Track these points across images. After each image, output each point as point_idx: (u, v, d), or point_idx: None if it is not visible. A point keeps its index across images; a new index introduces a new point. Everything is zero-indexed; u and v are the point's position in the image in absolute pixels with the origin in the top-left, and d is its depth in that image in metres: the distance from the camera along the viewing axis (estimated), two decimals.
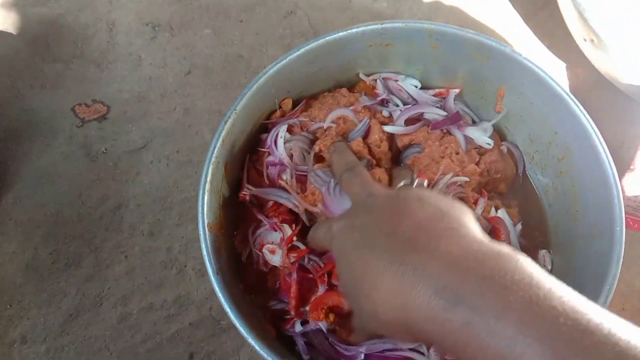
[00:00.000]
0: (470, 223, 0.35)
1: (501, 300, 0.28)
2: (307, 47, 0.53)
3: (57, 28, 0.80)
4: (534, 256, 0.56)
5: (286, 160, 0.53)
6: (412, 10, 0.84)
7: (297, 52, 0.53)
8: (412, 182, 0.52)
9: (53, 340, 0.62)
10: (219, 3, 0.82)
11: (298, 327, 0.50)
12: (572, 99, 0.51)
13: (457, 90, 0.60)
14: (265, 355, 0.41)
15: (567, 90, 0.52)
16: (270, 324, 0.51)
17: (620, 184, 0.63)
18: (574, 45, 0.74)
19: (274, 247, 0.51)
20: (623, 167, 0.64)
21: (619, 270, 0.46)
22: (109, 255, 0.66)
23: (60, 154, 0.71)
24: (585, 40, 0.70)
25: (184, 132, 0.72)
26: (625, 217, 0.58)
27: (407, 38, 0.56)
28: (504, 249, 0.31)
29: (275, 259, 0.50)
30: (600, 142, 0.50)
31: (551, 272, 0.55)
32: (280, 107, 0.58)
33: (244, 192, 0.54)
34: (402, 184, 0.51)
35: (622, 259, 0.46)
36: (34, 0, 0.82)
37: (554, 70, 0.79)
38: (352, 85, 0.62)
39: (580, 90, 0.76)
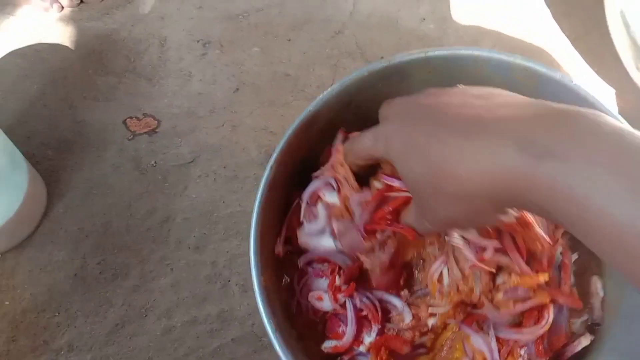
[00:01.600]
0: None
1: (588, 148, 0.28)
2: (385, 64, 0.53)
3: (110, 42, 0.82)
4: (586, 281, 0.55)
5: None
6: (458, 33, 0.84)
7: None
8: None
9: (98, 349, 0.63)
10: (268, 22, 0.83)
11: None
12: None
13: None
14: None
15: (621, 118, 0.50)
16: None
17: None
18: (624, 71, 0.74)
19: (320, 293, 0.50)
20: None
21: None
22: (155, 268, 0.67)
23: (111, 166, 0.73)
24: (637, 68, 0.70)
25: (231, 148, 0.73)
26: None
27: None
28: (578, 108, 0.32)
29: (326, 305, 0.49)
30: None
31: (603, 298, 0.53)
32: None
33: (278, 249, 0.52)
34: None
35: None
36: (89, 14, 0.85)
37: (603, 96, 0.78)
38: None
39: (629, 117, 0.75)
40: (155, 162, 0.73)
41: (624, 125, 0.30)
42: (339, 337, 0.49)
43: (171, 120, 0.75)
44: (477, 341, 0.47)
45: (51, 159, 0.73)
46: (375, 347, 0.48)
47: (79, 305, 0.65)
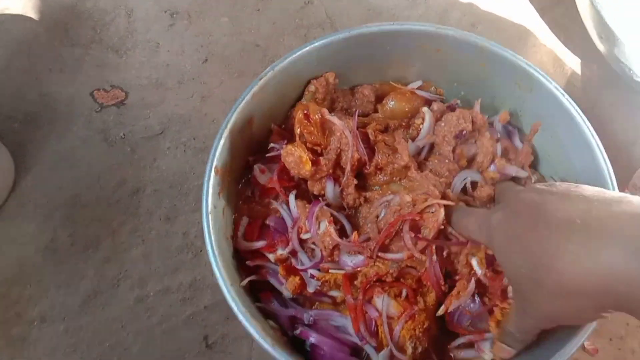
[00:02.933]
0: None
1: None
2: (361, 31, 0.54)
3: (76, 13, 0.81)
4: None
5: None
6: (427, 3, 0.84)
7: (351, 34, 0.54)
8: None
9: (71, 320, 0.63)
10: None
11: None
12: (602, 155, 0.49)
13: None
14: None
15: (599, 143, 0.50)
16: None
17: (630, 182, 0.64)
18: (589, 41, 0.75)
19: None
20: (635, 165, 0.65)
21: None
22: (126, 239, 0.67)
23: (79, 139, 0.72)
24: (601, 37, 0.71)
25: (200, 119, 0.73)
26: None
27: (458, 48, 0.55)
28: None
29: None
30: None
31: None
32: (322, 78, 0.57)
33: None
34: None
35: None
36: None
37: (569, 64, 0.79)
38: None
39: (594, 86, 0.77)
40: (123, 134, 0.72)
41: None
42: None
43: (139, 92, 0.75)
44: None
45: (17, 132, 0.72)
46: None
47: (50, 277, 0.65)
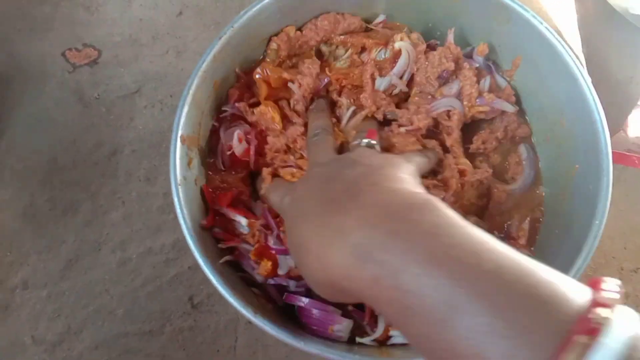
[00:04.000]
0: (405, 176, 0.35)
1: (405, 254, 0.28)
2: None
3: None
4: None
5: None
6: None
7: None
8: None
9: (54, 285, 0.62)
10: None
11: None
12: (587, 84, 0.46)
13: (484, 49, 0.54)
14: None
15: (584, 73, 0.47)
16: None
17: (627, 122, 0.61)
18: None
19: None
20: (631, 103, 0.62)
21: (607, 209, 0.44)
22: (106, 202, 0.65)
23: (53, 100, 0.69)
24: None
25: (176, 75, 0.70)
26: (631, 155, 0.56)
27: None
28: (427, 197, 0.31)
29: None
30: (606, 141, 0.45)
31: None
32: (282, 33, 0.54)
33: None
34: (355, 143, 0.47)
35: (610, 196, 0.44)
36: None
37: (563, 3, 0.75)
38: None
39: (589, 23, 0.73)
40: (98, 94, 0.70)
41: (454, 222, 0.29)
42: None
43: (112, 50, 0.72)
44: None
45: None
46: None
47: (30, 243, 0.64)
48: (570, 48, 0.47)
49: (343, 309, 0.47)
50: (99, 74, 0.71)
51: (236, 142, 0.50)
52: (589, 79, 0.46)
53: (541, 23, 0.47)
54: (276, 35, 0.54)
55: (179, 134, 0.46)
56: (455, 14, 0.53)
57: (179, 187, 0.45)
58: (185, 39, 0.72)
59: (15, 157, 0.67)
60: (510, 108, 0.52)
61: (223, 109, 0.53)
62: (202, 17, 0.73)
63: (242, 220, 0.48)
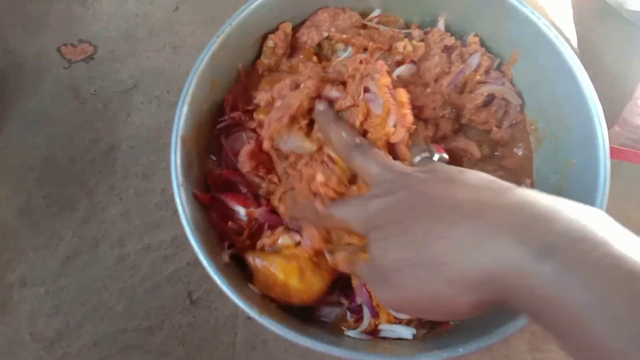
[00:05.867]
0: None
1: (591, 255, 0.26)
2: None
3: None
4: None
5: None
6: None
7: None
8: (431, 156, 0.46)
9: (52, 282, 0.62)
10: None
11: None
12: (585, 81, 0.46)
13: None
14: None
15: (582, 69, 0.47)
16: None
17: (621, 116, 0.62)
18: None
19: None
20: (626, 99, 0.63)
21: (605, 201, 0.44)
22: (104, 198, 0.65)
23: (49, 96, 0.69)
24: None
25: (173, 71, 0.70)
26: (627, 150, 0.57)
27: None
28: (584, 206, 0.30)
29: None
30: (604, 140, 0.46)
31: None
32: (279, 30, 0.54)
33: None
34: (418, 158, 0.45)
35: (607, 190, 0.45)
36: None
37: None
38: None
39: (585, 18, 0.73)
40: (94, 90, 0.69)
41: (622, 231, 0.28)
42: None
43: (108, 45, 0.71)
44: None
45: None
46: None
47: (27, 240, 0.64)
48: (569, 44, 0.47)
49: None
50: (95, 70, 0.70)
51: (245, 158, 0.50)
52: (587, 75, 0.46)
53: (539, 19, 0.47)
54: (273, 32, 0.53)
55: (180, 135, 0.46)
56: (451, 7, 0.53)
57: (180, 187, 0.45)
58: (182, 35, 0.72)
59: (12, 154, 0.67)
60: (515, 99, 0.52)
61: (220, 119, 0.53)
62: (198, 13, 0.73)
63: (241, 210, 0.48)
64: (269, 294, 0.46)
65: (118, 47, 0.71)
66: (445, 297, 0.32)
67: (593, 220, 0.28)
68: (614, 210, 0.65)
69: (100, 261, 0.63)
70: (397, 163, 0.41)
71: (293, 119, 0.44)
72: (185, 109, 0.47)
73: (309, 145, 0.44)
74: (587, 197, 0.45)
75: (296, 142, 0.45)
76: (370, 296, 0.46)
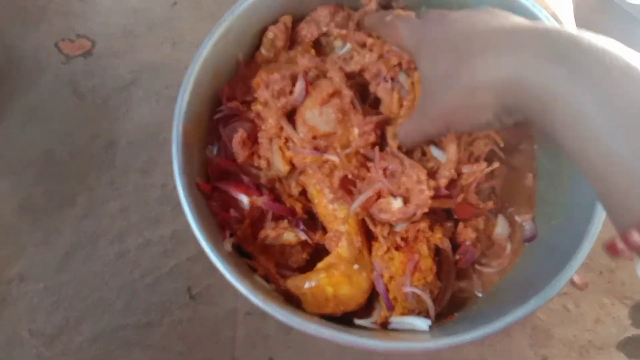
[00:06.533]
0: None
1: (602, 60, 0.31)
2: None
3: None
4: None
5: None
6: None
7: None
8: None
9: (51, 277, 0.62)
10: None
11: None
12: None
13: None
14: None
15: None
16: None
17: None
18: None
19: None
20: None
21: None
22: (103, 194, 0.65)
23: (47, 92, 0.69)
24: None
25: (172, 66, 0.70)
26: None
27: None
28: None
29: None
30: None
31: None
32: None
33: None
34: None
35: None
36: None
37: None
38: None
39: (584, 11, 0.73)
40: (93, 86, 0.69)
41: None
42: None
43: (107, 41, 0.71)
44: None
45: None
46: None
47: (26, 236, 0.63)
48: None
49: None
50: (94, 65, 0.70)
51: (237, 147, 0.50)
52: None
53: (541, 11, 0.47)
54: (274, 24, 0.53)
55: (181, 124, 0.46)
56: (452, 2, 0.53)
57: (182, 175, 0.45)
58: (181, 30, 0.72)
59: (11, 150, 0.66)
60: None
61: (217, 109, 0.53)
62: (197, 8, 0.73)
63: (244, 198, 0.48)
64: (323, 312, 0.46)
65: (116, 43, 0.71)
66: (474, 104, 0.37)
67: (612, 44, 0.32)
68: None
69: (99, 257, 0.63)
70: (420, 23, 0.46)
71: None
72: (187, 97, 0.47)
73: None
74: (590, 192, 0.44)
75: None
76: (387, 288, 0.46)
